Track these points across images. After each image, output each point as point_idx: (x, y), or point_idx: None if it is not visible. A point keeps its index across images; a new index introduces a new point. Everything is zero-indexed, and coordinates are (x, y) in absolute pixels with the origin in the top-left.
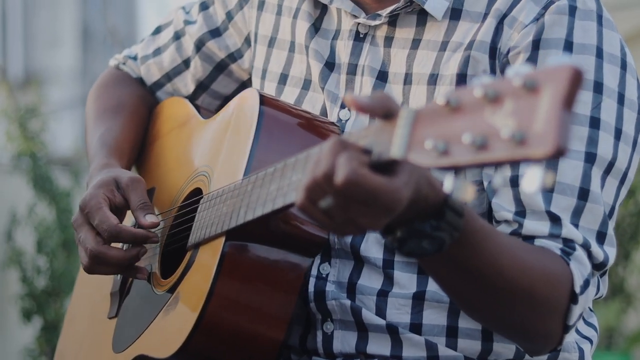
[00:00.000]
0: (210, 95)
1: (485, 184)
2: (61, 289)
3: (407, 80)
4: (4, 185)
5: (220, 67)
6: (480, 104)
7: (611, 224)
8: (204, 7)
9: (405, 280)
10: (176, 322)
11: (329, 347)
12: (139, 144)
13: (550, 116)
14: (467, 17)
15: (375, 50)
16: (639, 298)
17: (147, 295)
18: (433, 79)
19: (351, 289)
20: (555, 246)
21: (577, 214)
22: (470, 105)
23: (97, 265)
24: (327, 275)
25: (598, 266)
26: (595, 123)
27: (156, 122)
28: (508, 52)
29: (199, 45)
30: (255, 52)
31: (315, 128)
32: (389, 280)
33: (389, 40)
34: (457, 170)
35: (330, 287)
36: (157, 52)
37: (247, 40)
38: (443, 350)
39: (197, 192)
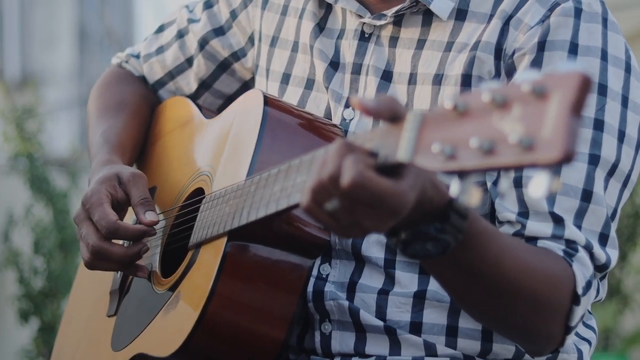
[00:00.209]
0: (213, 95)
1: (489, 184)
2: (58, 289)
3: (412, 80)
4: (1, 186)
5: (224, 66)
6: (488, 109)
7: (614, 227)
8: (208, 5)
9: (407, 279)
10: (176, 321)
11: (327, 347)
12: (141, 142)
13: (558, 122)
14: (473, 18)
15: (380, 50)
16: (636, 299)
17: (147, 294)
18: (438, 79)
19: (351, 288)
20: (558, 247)
21: (580, 216)
22: (477, 110)
23: (99, 260)
24: (327, 275)
25: (600, 268)
26: (599, 125)
27: (158, 122)
28: (513, 53)
29: (203, 43)
30: (258, 51)
31: (318, 130)
32: (390, 279)
33: (394, 40)
34: (462, 175)
35: (329, 288)
36: (160, 50)
37: (251, 39)
38: (442, 350)
39: (199, 192)
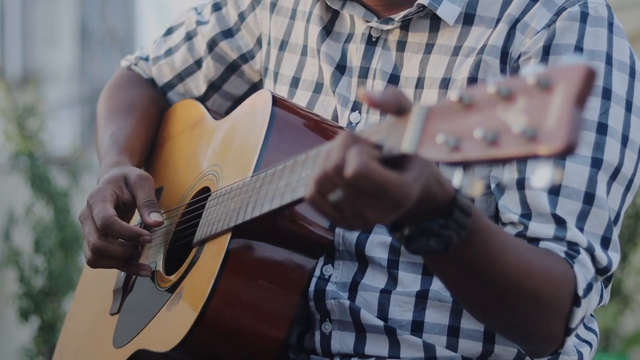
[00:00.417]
0: (222, 96)
1: (493, 186)
2: (59, 288)
3: (419, 84)
4: (2, 184)
5: (232, 68)
6: (493, 101)
7: (616, 230)
8: (216, 7)
9: (410, 280)
10: (178, 316)
11: (326, 347)
12: (150, 144)
13: (562, 113)
14: (480, 22)
15: (387, 54)
16: (636, 300)
17: (150, 292)
18: (445, 83)
19: (353, 288)
20: (560, 249)
21: (582, 218)
22: (483, 102)
23: (99, 258)
24: (330, 276)
25: (601, 271)
26: (602, 129)
27: (167, 124)
28: (519, 57)
29: (212, 45)
30: (267, 54)
31: (325, 131)
32: (393, 279)
33: (401, 45)
34: (466, 166)
35: (330, 287)
36: (169, 52)
37: (259, 41)
38: (441, 351)
39: (205, 191)
